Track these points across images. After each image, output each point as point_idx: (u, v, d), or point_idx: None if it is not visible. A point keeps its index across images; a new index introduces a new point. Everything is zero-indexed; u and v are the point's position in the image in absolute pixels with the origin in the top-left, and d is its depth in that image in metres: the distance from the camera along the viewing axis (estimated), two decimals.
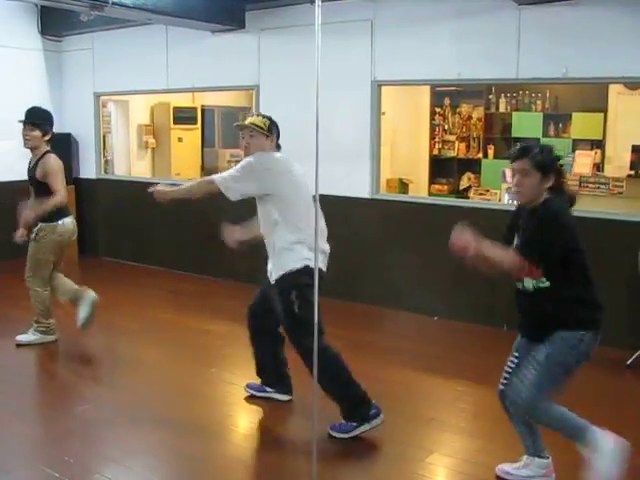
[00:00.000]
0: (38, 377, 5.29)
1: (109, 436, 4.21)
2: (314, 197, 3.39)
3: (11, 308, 6.70)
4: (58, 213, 5.46)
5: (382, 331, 6.29)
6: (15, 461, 3.84)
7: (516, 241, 3.36)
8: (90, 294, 5.61)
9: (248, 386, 4.74)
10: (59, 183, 5.37)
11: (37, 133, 5.44)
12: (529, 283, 3.32)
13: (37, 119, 5.49)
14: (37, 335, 5.66)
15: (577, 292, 3.29)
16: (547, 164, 3.25)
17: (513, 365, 3.48)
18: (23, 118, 5.49)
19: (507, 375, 3.49)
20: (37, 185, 5.45)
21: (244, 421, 4.55)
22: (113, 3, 6.21)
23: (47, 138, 5.53)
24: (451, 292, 6.43)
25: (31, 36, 8.82)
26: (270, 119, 4.47)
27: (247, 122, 4.40)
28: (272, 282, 4.24)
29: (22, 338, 5.67)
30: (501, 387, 3.50)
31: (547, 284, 3.26)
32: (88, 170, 9.14)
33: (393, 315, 6.64)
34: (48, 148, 5.55)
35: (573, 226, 3.30)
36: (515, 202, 3.41)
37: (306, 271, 4.03)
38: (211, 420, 4.41)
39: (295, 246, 4.14)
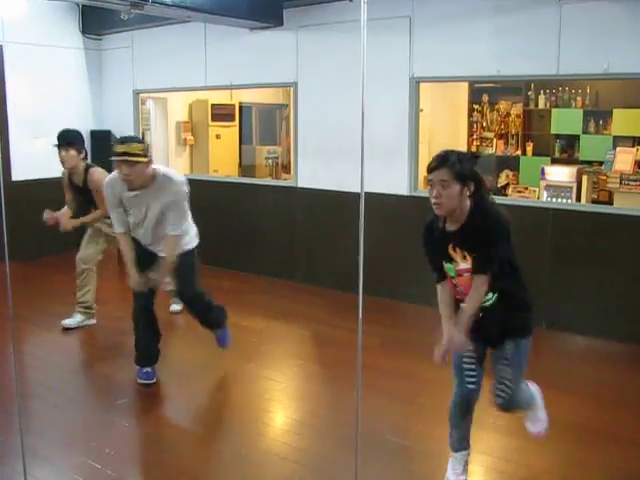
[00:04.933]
0: (78, 370, 5.38)
1: (148, 429, 4.27)
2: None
3: (53, 302, 6.82)
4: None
5: (420, 328, 6.25)
6: (57, 451, 3.92)
7: (460, 264, 3.22)
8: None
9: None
10: (102, 200, 5.61)
11: (73, 153, 5.70)
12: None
13: (70, 140, 5.73)
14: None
15: (524, 296, 3.31)
16: (466, 173, 3.11)
17: (473, 361, 3.40)
18: (56, 142, 5.73)
19: (474, 373, 3.40)
20: (84, 194, 5.82)
21: (281, 416, 4.57)
22: (153, 1, 6.25)
23: (82, 156, 5.80)
24: None
25: (73, 35, 8.94)
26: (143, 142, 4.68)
27: (123, 150, 4.35)
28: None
29: (70, 322, 6.05)
30: (471, 386, 3.41)
31: (494, 298, 3.23)
32: None
33: (431, 313, 6.56)
34: (87, 162, 5.91)
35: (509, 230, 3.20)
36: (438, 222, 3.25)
37: None
38: (249, 416, 4.44)
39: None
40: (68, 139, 5.72)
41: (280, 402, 4.76)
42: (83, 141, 5.91)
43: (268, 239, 7.89)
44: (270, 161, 10.56)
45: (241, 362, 5.32)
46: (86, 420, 4.37)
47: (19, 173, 8.29)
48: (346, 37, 6.75)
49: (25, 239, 8.23)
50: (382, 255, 6.77)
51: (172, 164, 9.85)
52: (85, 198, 5.86)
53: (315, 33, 7.22)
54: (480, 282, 3.14)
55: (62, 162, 5.75)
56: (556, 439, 4.02)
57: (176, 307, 6.45)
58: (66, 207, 6.01)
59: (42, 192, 8.53)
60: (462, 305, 3.25)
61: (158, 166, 4.66)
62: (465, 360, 3.40)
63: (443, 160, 3.13)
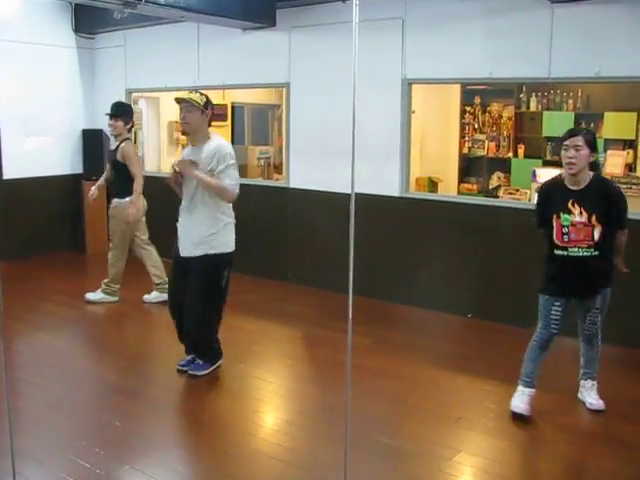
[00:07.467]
0: (67, 369, 5.35)
1: (140, 428, 4.27)
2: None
3: (43, 301, 6.81)
4: (129, 191, 6.36)
5: (411, 329, 6.28)
6: (47, 450, 3.90)
7: (576, 217, 4.06)
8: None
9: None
10: (136, 167, 6.34)
11: (120, 123, 6.43)
12: (579, 251, 4.09)
13: (119, 111, 6.49)
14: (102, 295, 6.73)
15: (612, 257, 4.22)
16: (593, 143, 4.08)
17: (560, 313, 4.29)
18: (109, 111, 6.50)
19: (558, 322, 4.30)
20: (116, 166, 6.42)
21: (271, 416, 4.58)
22: (146, 1, 6.24)
23: (128, 127, 6.53)
24: (480, 291, 6.41)
25: (65, 34, 8.92)
26: (207, 97, 4.89)
27: (186, 97, 4.78)
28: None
29: (91, 296, 6.72)
30: (554, 331, 4.32)
31: (596, 253, 4.06)
32: None
33: (422, 314, 6.63)
34: (128, 135, 6.54)
35: None
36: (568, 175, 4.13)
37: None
38: (239, 415, 4.44)
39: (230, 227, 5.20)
40: (116, 110, 6.50)
41: (270, 402, 4.76)
42: (132, 115, 6.66)
43: (260, 239, 7.88)
44: (262, 161, 10.55)
45: (232, 362, 5.31)
46: (76, 419, 4.36)
47: (10, 171, 8.27)
48: (339, 38, 6.75)
49: (15, 237, 8.22)
50: (373, 256, 6.79)
51: (164, 163, 9.83)
52: (116, 169, 6.42)
53: (308, 34, 7.23)
54: (623, 234, 4.20)
55: (110, 129, 6.55)
56: (544, 440, 4.04)
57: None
58: (102, 179, 6.79)
59: (33, 190, 8.53)
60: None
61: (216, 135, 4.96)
62: (553, 310, 4.30)
63: (578, 130, 4.19)
